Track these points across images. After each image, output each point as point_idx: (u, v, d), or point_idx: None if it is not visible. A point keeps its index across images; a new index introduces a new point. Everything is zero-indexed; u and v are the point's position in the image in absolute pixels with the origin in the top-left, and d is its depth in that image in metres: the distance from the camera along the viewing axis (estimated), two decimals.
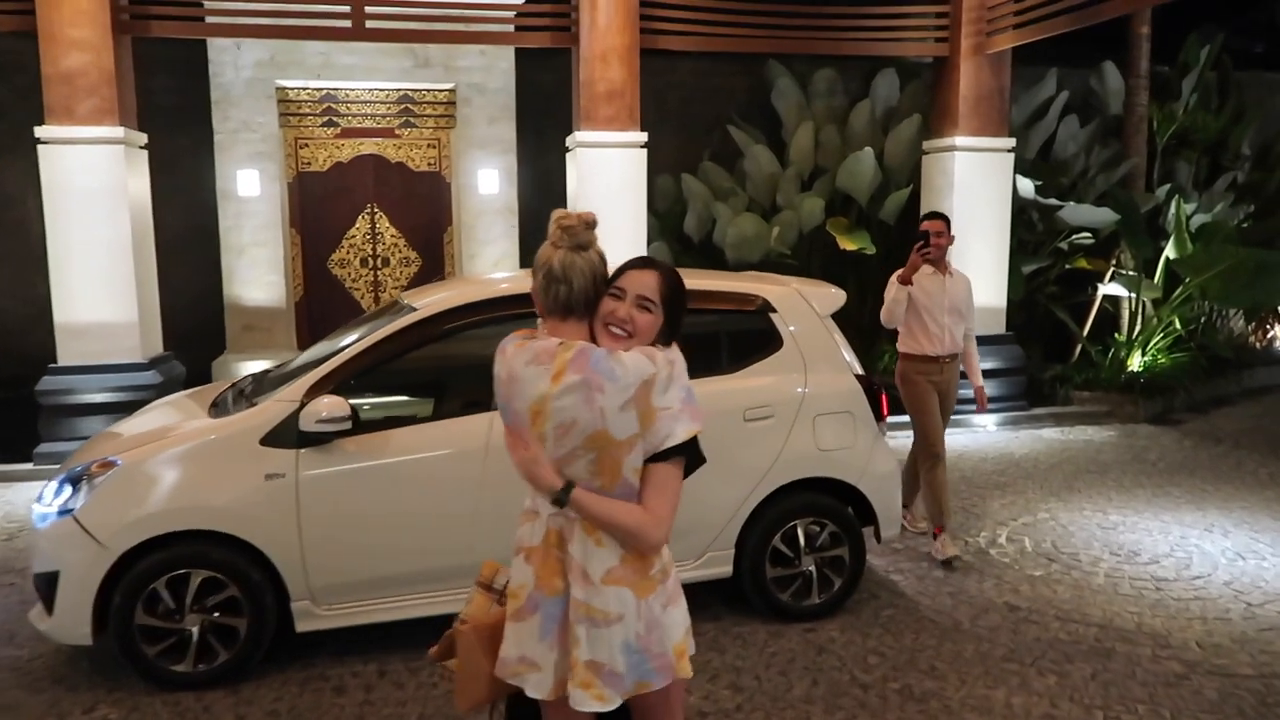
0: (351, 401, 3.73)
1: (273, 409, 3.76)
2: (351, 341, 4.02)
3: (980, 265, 8.33)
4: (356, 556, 3.79)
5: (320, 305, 9.21)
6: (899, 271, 5.10)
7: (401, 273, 9.41)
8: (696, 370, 4.28)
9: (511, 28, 7.82)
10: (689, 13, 7.83)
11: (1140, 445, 7.75)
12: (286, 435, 3.69)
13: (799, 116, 9.75)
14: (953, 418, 8.07)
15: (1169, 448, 7.66)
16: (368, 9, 7.23)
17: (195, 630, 3.68)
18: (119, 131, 6.86)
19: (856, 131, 9.54)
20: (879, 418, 4.45)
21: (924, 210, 8.77)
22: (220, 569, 3.67)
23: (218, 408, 4.11)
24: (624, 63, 7.63)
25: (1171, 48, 10.68)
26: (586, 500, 2.10)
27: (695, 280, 4.60)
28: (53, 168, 6.81)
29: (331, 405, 3.62)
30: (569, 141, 7.99)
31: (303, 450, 3.70)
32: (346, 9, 7.21)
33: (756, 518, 4.24)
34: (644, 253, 8.17)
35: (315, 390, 3.76)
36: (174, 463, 3.69)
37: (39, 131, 6.79)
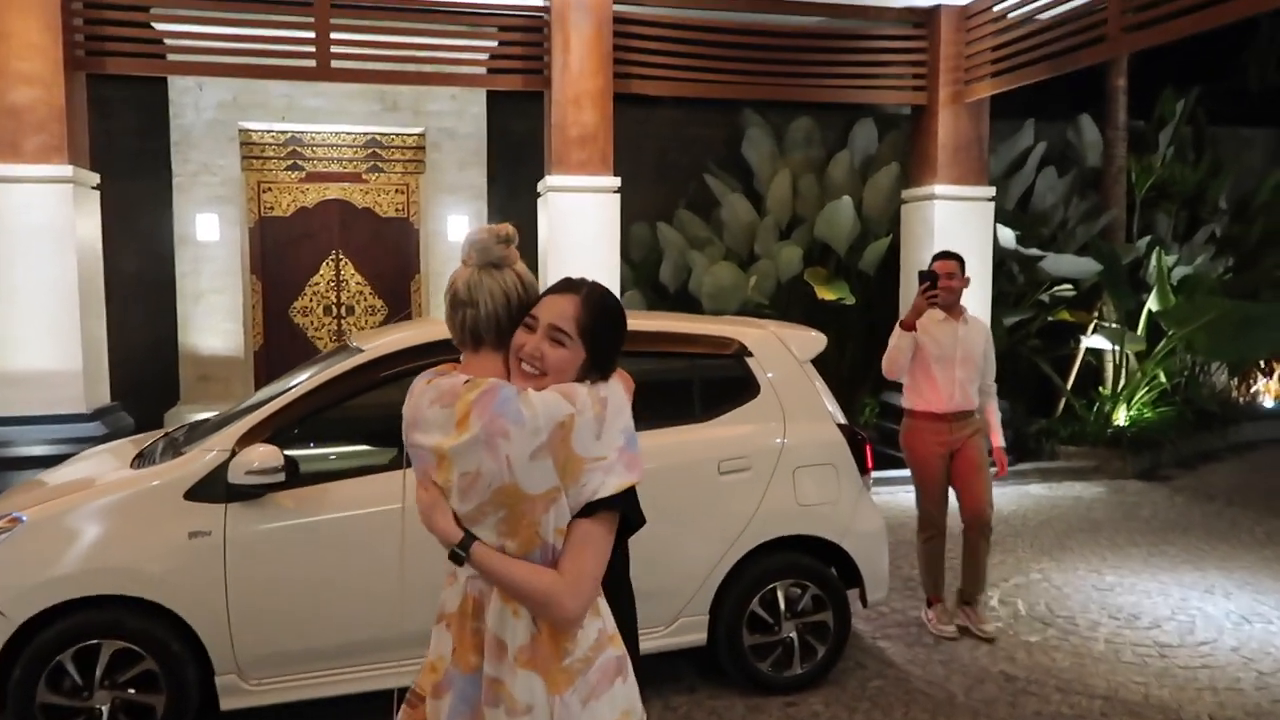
0: (291, 452, 3.40)
1: (199, 459, 3.41)
2: (293, 385, 3.69)
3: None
4: (291, 625, 3.41)
5: (280, 355, 8.85)
6: (904, 316, 4.66)
7: (366, 321, 9.09)
8: (666, 418, 4.05)
9: (484, 70, 7.64)
10: (663, 57, 7.69)
11: (1131, 502, 7.49)
12: (214, 488, 3.34)
13: (772, 166, 9.61)
14: None
15: (1160, 504, 7.39)
16: (333, 49, 7.02)
17: (105, 709, 3.28)
18: (67, 170, 6.55)
19: (836, 181, 9.40)
20: (863, 470, 4.15)
21: (904, 260, 8.60)
22: (136, 639, 3.29)
23: (143, 458, 3.76)
24: (597, 106, 7.45)
25: (1145, 102, 10.69)
26: (487, 558, 1.76)
27: (667, 323, 4.35)
28: None
29: (264, 455, 3.28)
30: (540, 186, 7.76)
31: (232, 505, 3.35)
32: (311, 49, 7.00)
33: (732, 579, 3.90)
34: None
35: (249, 438, 3.43)
36: (86, 519, 3.32)
37: None
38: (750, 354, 4.08)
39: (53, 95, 6.52)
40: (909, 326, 4.58)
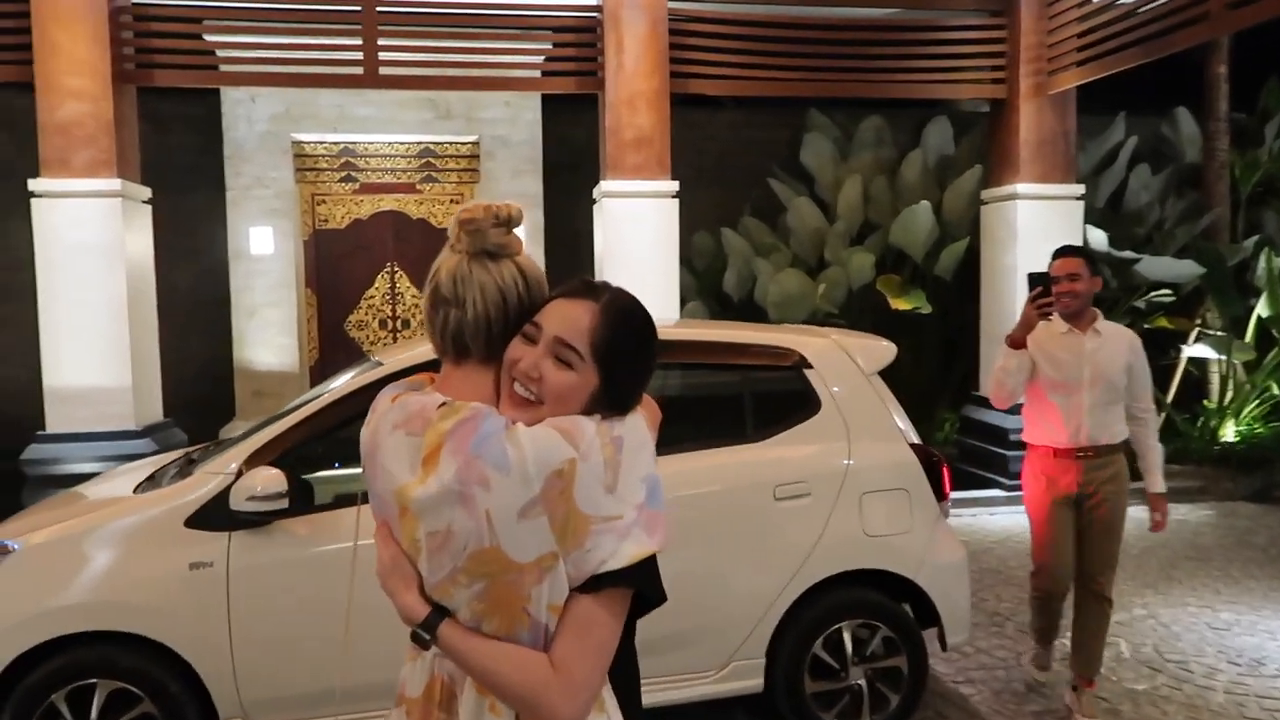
0: (307, 476, 3.11)
1: (202, 483, 3.14)
2: (306, 401, 3.41)
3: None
4: (300, 665, 3.10)
5: (335, 369, 8.65)
6: (1012, 330, 3.76)
7: (422, 335, 8.88)
8: (716, 437, 3.64)
9: (536, 73, 7.37)
10: (722, 55, 7.30)
11: (1243, 526, 6.78)
12: (216, 516, 3.06)
13: (835, 169, 9.13)
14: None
15: (1277, 530, 6.67)
16: (381, 55, 6.83)
17: None
18: (116, 184, 6.47)
19: (909, 183, 8.87)
20: (940, 496, 3.68)
21: (984, 265, 8.03)
22: (133, 679, 3.02)
23: (152, 481, 3.51)
24: (653, 108, 7.10)
25: (1248, 93, 9.89)
26: (460, 642, 1.35)
27: (716, 331, 3.95)
28: (46, 222, 6.43)
29: (266, 480, 2.98)
30: (595, 192, 7.45)
31: (236, 533, 3.06)
32: (358, 55, 6.81)
33: (792, 619, 3.47)
34: (677, 312, 7.55)
35: (255, 460, 3.14)
36: (81, 548, 3.07)
37: (33, 184, 6.42)
38: (810, 366, 3.66)
39: (101, 109, 6.45)
40: (1017, 344, 3.72)
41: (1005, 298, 7.70)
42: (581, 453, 1.30)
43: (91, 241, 6.45)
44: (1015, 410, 7.64)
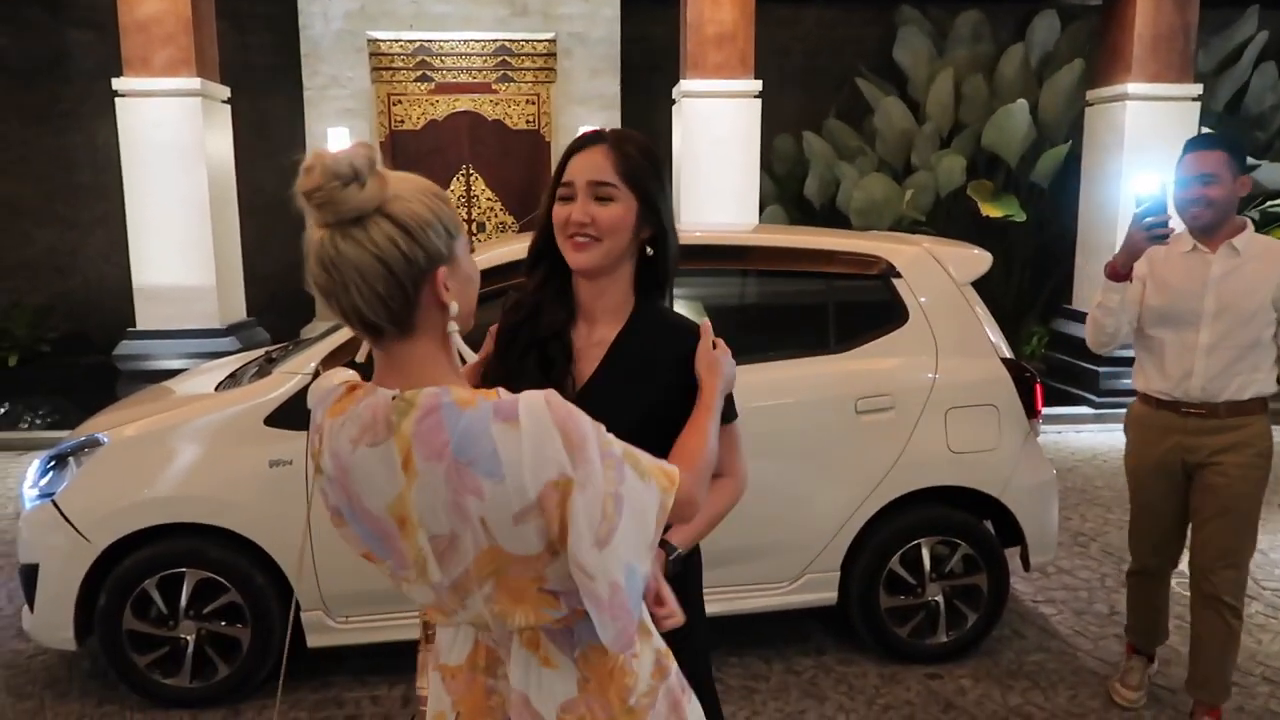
0: None
1: (279, 382, 3.16)
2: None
3: None
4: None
5: None
6: (1113, 256, 2.92)
7: (497, 238, 8.84)
8: (796, 347, 3.52)
9: None
10: None
11: None
12: (295, 415, 3.07)
13: (930, 66, 8.63)
14: (1117, 410, 7.06)
15: None
16: None
17: (191, 640, 3.13)
18: (195, 83, 6.48)
19: (1007, 80, 8.36)
20: (1031, 413, 3.51)
21: (1085, 172, 7.57)
22: (219, 570, 3.11)
23: (233, 379, 3.55)
24: (736, 2, 6.77)
25: None
26: (688, 533, 1.60)
27: (801, 237, 3.78)
28: (129, 122, 6.50)
29: (344, 380, 2.97)
30: (675, 92, 7.21)
31: None
32: None
33: (869, 534, 3.39)
34: (756, 217, 7.34)
35: (332, 360, 3.14)
36: (166, 444, 3.13)
37: (116, 84, 6.49)
38: (899, 274, 3.48)
39: (179, 6, 6.42)
40: (1119, 275, 2.87)
41: (1107, 207, 7.28)
42: (579, 479, 1.15)
43: (173, 141, 6.51)
44: None
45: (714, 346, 1.56)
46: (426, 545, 1.20)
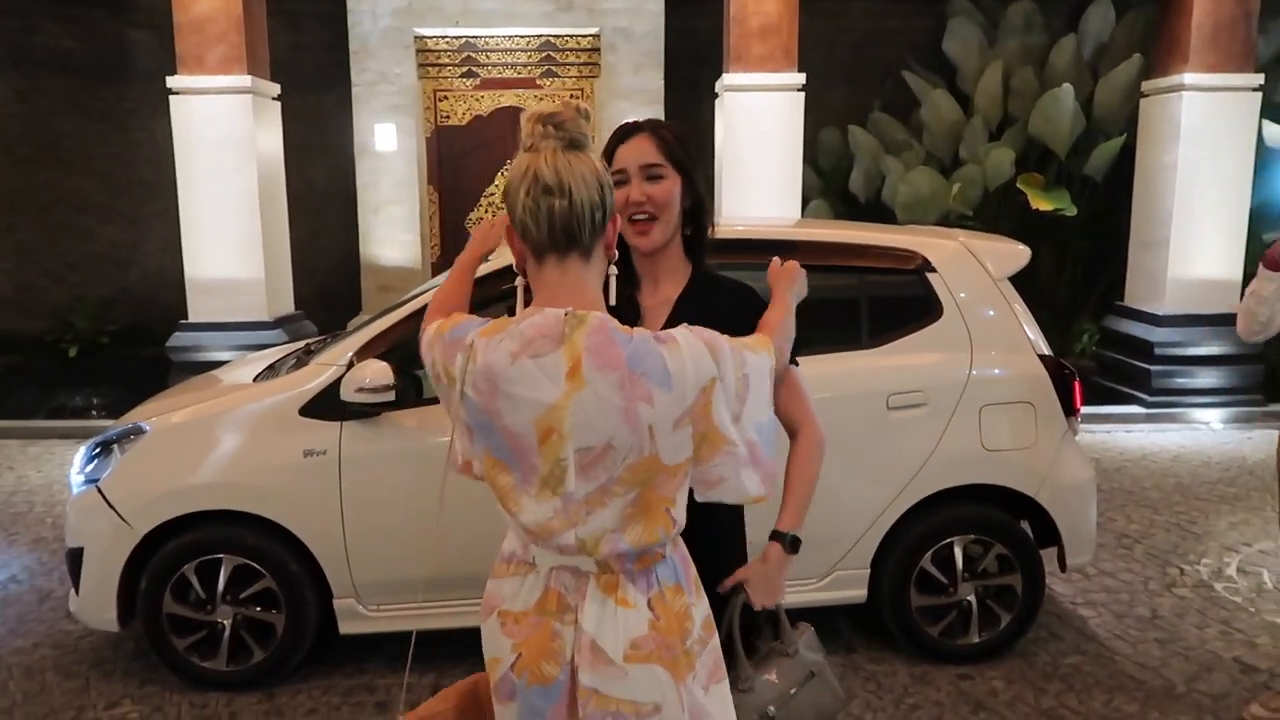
0: (418, 371, 3.14)
1: (315, 374, 3.22)
2: (417, 295, 3.44)
3: (1212, 231, 6.95)
4: (408, 552, 3.20)
5: None
6: (1271, 248, 2.95)
7: None
8: (827, 343, 3.49)
9: None
10: None
11: None
12: (328, 405, 3.13)
13: (980, 58, 8.48)
14: (1169, 410, 6.89)
15: None
16: None
17: (227, 624, 3.22)
18: (246, 80, 6.63)
19: (1058, 72, 8.17)
20: (1069, 411, 3.44)
21: (1139, 165, 7.37)
22: (255, 556, 3.18)
23: (272, 370, 3.63)
24: None
25: None
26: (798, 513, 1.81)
27: (836, 231, 3.75)
28: (183, 119, 6.67)
29: (375, 372, 3.02)
30: (718, 86, 7.18)
31: (347, 423, 3.14)
32: None
33: (900, 531, 3.36)
34: (798, 212, 7.28)
35: (366, 352, 3.20)
36: (204, 432, 3.22)
37: (170, 82, 6.66)
38: (933, 269, 3.44)
39: (231, 5, 6.56)
40: (1277, 264, 2.92)
41: (1163, 200, 7.09)
42: (721, 373, 1.41)
43: (224, 137, 6.66)
44: (1160, 323, 7.10)
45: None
46: (571, 457, 1.38)
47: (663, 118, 8.50)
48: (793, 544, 1.76)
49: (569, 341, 1.36)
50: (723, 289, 1.88)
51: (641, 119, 1.87)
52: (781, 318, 1.71)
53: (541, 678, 1.46)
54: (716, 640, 1.56)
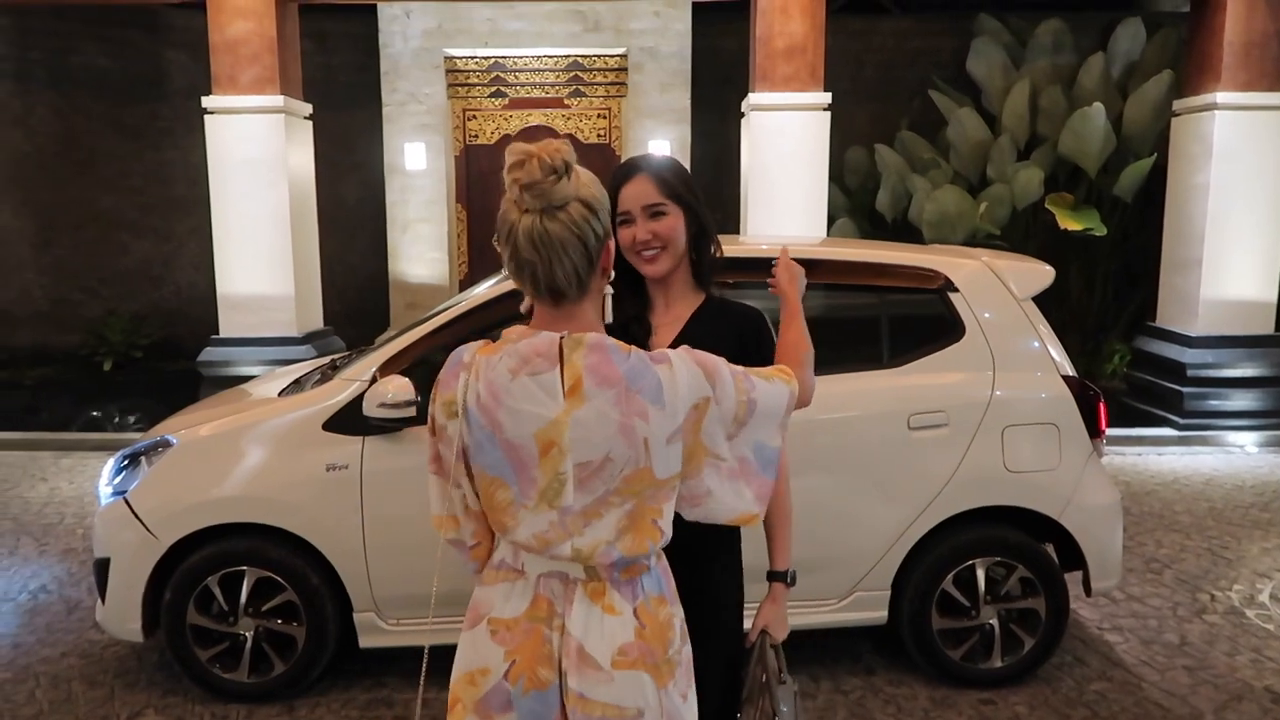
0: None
1: (337, 389, 3.26)
2: (439, 312, 3.47)
3: (1246, 251, 6.86)
4: (428, 568, 3.20)
5: None
6: None
7: None
8: (849, 362, 3.48)
9: None
10: None
11: None
12: (351, 421, 3.16)
13: (1006, 76, 8.45)
14: (1202, 432, 6.78)
15: None
16: None
17: (249, 636, 3.24)
18: (279, 100, 6.74)
19: (1087, 91, 8.13)
20: (1094, 433, 3.40)
21: (1171, 185, 7.30)
22: (277, 569, 3.21)
23: (297, 385, 3.68)
24: (806, 14, 6.75)
25: None
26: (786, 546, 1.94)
27: (858, 251, 3.73)
28: (216, 138, 6.80)
29: (397, 388, 3.05)
30: (744, 105, 7.20)
31: (370, 439, 3.17)
32: None
33: (921, 552, 3.33)
34: (824, 230, 7.27)
35: (389, 368, 3.23)
36: (229, 446, 3.26)
37: (205, 101, 6.79)
38: (956, 289, 3.42)
39: (264, 27, 6.69)
40: None
41: (1194, 221, 7.01)
42: (716, 395, 1.45)
43: (256, 156, 6.77)
44: (1192, 344, 7.01)
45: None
46: (570, 470, 1.43)
47: (689, 137, 8.58)
48: (792, 579, 1.93)
49: (569, 362, 1.41)
50: (732, 313, 1.96)
51: (639, 156, 1.95)
52: (798, 336, 1.76)
53: (539, 683, 1.47)
54: (689, 649, 1.59)
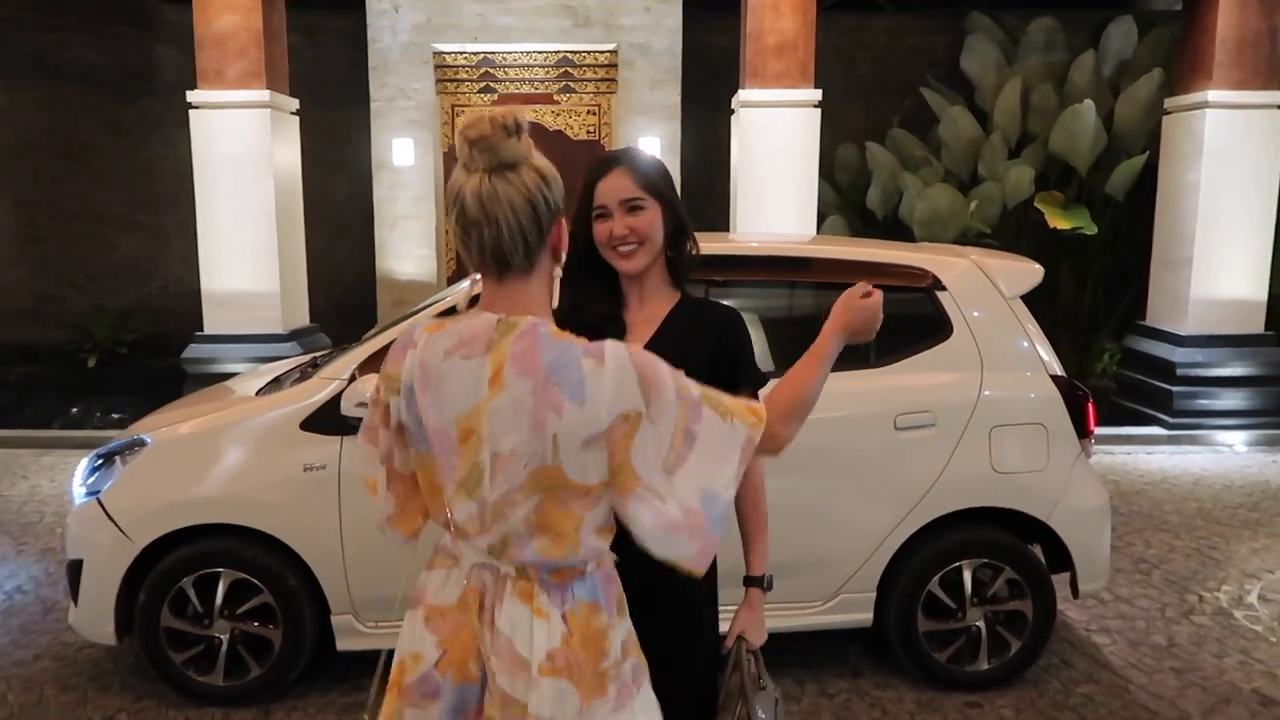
0: None
1: (316, 388, 3.21)
2: (420, 309, 3.42)
3: (1236, 250, 6.84)
4: (406, 570, 3.16)
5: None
6: None
7: None
8: (835, 362, 3.44)
9: None
10: None
11: None
12: (329, 420, 3.11)
13: (999, 74, 8.42)
14: (1191, 432, 6.76)
15: None
16: None
17: (225, 639, 3.19)
18: (265, 95, 6.68)
19: (1078, 89, 8.10)
20: (1083, 433, 3.37)
21: (1162, 183, 7.28)
22: (253, 571, 3.16)
23: (276, 384, 3.62)
24: (797, 11, 6.71)
25: None
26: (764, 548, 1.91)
27: (845, 249, 3.71)
28: (201, 132, 6.73)
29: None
30: (734, 102, 7.15)
31: (348, 438, 3.11)
32: None
33: (907, 554, 3.29)
34: (813, 228, 7.23)
35: (368, 366, 3.18)
36: (205, 446, 3.21)
37: (191, 96, 6.72)
38: (943, 288, 3.38)
39: (251, 21, 6.62)
40: None
41: (1185, 219, 6.99)
42: (652, 414, 1.34)
43: (242, 151, 6.70)
44: (1183, 343, 7.00)
45: (868, 295, 1.72)
46: (487, 460, 1.36)
47: (680, 133, 8.53)
48: (769, 584, 1.91)
49: (495, 348, 1.36)
50: (711, 313, 1.91)
51: (617, 150, 1.89)
52: (810, 378, 1.57)
53: (467, 676, 1.44)
54: (633, 663, 1.49)
